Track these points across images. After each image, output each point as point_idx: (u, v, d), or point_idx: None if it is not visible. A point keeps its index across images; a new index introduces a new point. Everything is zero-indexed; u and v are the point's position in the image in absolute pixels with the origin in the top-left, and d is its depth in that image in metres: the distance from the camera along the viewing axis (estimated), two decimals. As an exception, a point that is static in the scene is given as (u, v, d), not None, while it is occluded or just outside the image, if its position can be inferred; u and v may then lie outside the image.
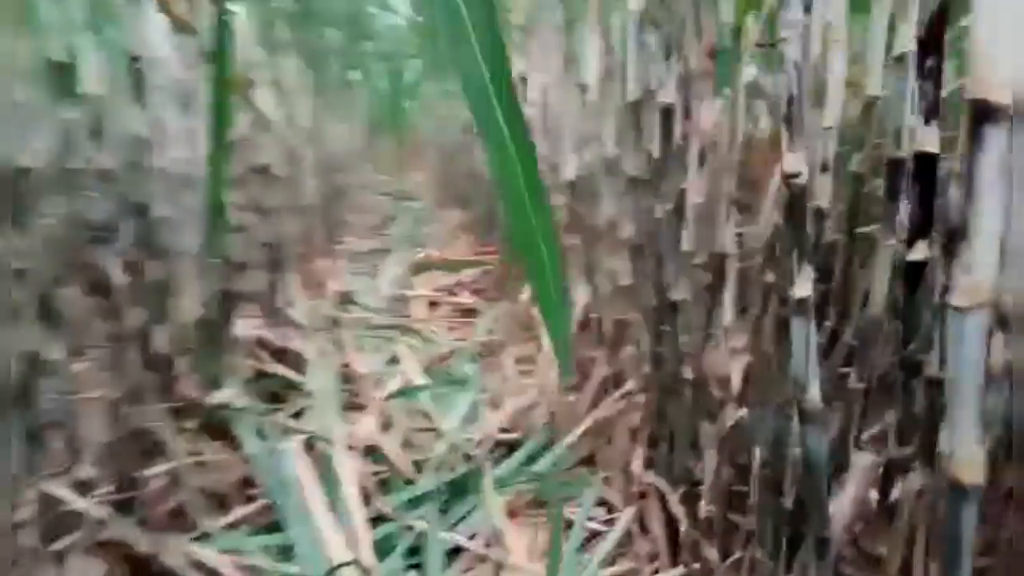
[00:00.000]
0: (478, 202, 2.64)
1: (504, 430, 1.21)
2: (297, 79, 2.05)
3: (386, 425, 1.25)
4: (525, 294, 1.79)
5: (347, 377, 1.45)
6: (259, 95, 1.67)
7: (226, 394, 1.21)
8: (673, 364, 0.91)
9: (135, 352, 0.97)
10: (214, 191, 1.12)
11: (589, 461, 1.09)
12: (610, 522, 0.94)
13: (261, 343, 1.47)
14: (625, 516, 0.90)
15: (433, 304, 2.13)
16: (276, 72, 1.84)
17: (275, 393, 1.35)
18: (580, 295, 1.26)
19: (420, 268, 2.32)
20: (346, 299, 1.98)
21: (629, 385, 1.08)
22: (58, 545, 0.82)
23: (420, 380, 1.43)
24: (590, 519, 0.97)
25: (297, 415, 1.30)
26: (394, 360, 1.52)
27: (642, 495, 0.93)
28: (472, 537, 0.97)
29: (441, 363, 1.56)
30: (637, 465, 0.94)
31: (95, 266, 0.94)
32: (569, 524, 0.96)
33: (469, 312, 2.02)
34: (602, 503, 1.01)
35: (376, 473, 1.11)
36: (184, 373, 1.15)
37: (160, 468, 0.96)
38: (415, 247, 2.64)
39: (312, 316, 1.77)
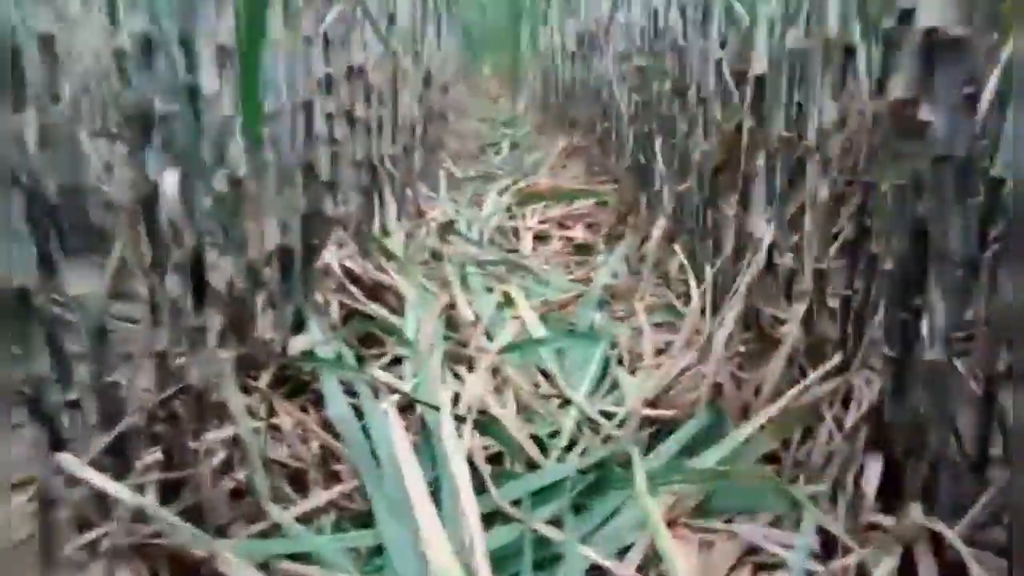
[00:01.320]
0: (587, 125, 2.32)
1: (651, 403, 0.93)
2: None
3: (500, 387, 0.99)
4: (655, 230, 1.49)
5: (451, 322, 1.19)
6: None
7: (308, 339, 0.97)
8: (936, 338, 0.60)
9: (189, 286, 0.72)
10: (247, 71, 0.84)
11: (773, 459, 0.81)
12: (825, 560, 0.65)
13: (352, 276, 1.23)
14: (885, 568, 0.58)
15: (542, 238, 1.85)
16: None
17: (368, 338, 1.11)
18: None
19: (527, 198, 2.04)
20: (448, 230, 1.72)
21: (836, 359, 0.79)
22: (80, 545, 0.60)
23: (539, 330, 1.16)
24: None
25: (394, 364, 1.06)
26: (507, 303, 1.25)
27: (871, 527, 0.64)
28: (621, 554, 0.71)
29: (561, 310, 1.28)
30: (870, 483, 0.64)
31: (137, 172, 0.69)
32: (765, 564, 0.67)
33: (584, 249, 1.73)
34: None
35: (488, 448, 0.85)
36: (256, 313, 0.92)
37: (218, 435, 0.72)
38: (521, 175, 2.35)
39: (412, 247, 1.52)
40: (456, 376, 1.01)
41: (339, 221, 1.32)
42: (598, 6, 2.02)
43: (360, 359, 1.04)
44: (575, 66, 2.42)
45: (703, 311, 1.16)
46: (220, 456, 0.72)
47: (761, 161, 0.91)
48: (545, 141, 3.02)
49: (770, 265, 0.88)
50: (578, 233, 1.84)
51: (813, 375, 0.79)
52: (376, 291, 1.23)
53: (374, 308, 1.16)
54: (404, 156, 1.74)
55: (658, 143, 1.61)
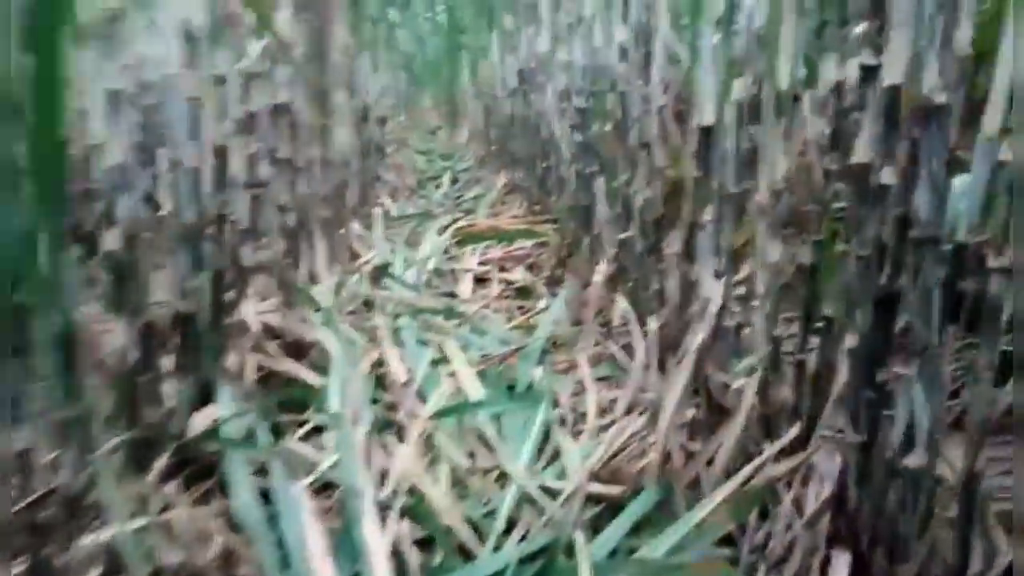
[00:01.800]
0: (527, 162, 2.26)
1: (596, 475, 0.86)
2: (329, 8, 1.67)
3: (433, 459, 0.90)
4: (597, 274, 1.43)
5: (381, 381, 1.10)
6: (279, 18, 1.30)
7: (216, 412, 0.87)
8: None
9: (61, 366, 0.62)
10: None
11: (729, 541, 0.73)
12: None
13: (272, 332, 1.12)
14: None
15: (482, 281, 1.77)
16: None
17: (286, 402, 1.01)
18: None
19: (467, 238, 1.96)
20: (382, 274, 1.62)
21: (794, 432, 0.72)
22: None
23: (475, 389, 1.08)
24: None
25: (316, 433, 0.96)
26: (441, 359, 1.16)
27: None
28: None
29: (500, 364, 1.20)
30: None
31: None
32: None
33: (524, 292, 1.66)
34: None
35: (418, 542, 0.76)
36: (153, 388, 0.81)
37: (97, 541, 0.62)
38: (460, 212, 2.27)
39: (342, 295, 1.42)
40: (384, 447, 0.92)
41: (261, 270, 1.22)
42: (538, 43, 1.97)
43: (277, 429, 0.93)
44: (515, 102, 2.37)
45: (648, 366, 1.10)
46: (98, 569, 0.61)
47: (709, 215, 0.85)
48: (486, 176, 2.96)
49: (719, 326, 0.82)
50: (518, 275, 1.76)
51: (769, 450, 0.73)
52: (299, 348, 1.13)
53: (295, 368, 1.06)
54: (336, 196, 1.64)
55: (599, 185, 1.55)
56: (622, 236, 1.22)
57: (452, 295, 1.67)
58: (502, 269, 1.84)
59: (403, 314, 1.35)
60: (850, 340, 0.58)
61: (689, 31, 1.11)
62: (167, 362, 0.84)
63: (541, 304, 1.57)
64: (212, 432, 0.84)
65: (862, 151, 0.55)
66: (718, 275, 0.83)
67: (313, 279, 1.42)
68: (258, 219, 1.24)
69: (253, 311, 1.10)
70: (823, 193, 0.62)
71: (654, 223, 1.08)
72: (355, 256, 1.77)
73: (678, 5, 1.03)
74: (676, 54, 0.95)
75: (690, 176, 1.06)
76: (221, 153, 0.92)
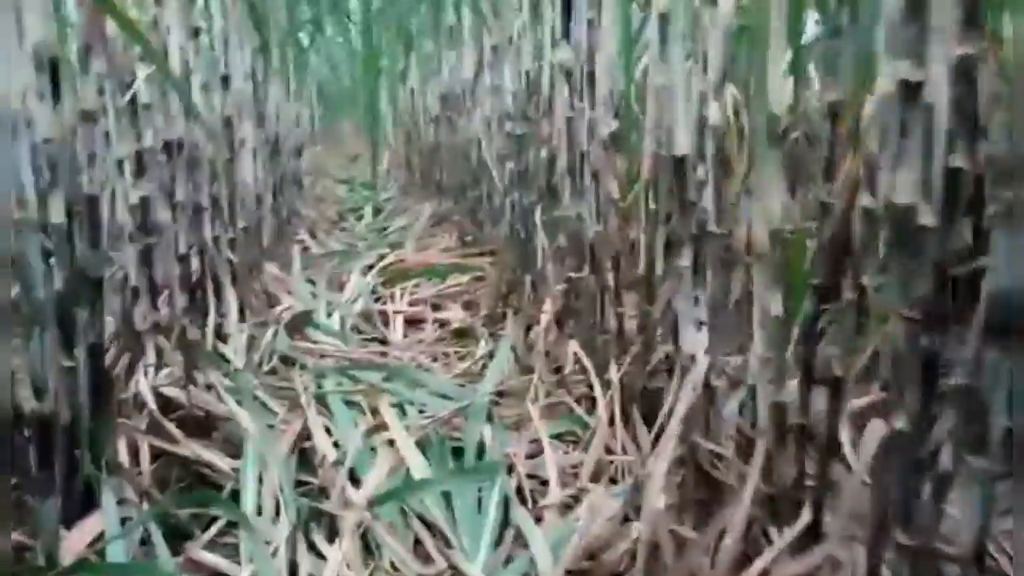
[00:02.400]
0: (455, 191, 2.13)
1: (568, 572, 0.72)
2: (231, 30, 1.50)
3: (372, 559, 0.75)
4: (544, 314, 1.30)
5: (306, 458, 0.94)
6: (172, 43, 1.14)
7: (96, 526, 0.69)
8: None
9: None
10: None
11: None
12: None
13: (172, 407, 0.95)
14: None
15: (415, 322, 1.62)
16: (196, 15, 1.30)
17: (190, 497, 0.84)
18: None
19: (395, 276, 1.80)
20: (302, 322, 1.45)
21: (806, 518, 0.60)
22: None
23: (418, 462, 0.92)
24: None
25: (228, 534, 0.79)
26: (376, 427, 1.01)
27: None
28: None
29: (443, 426, 1.05)
30: None
31: None
32: None
33: (462, 334, 1.52)
34: None
35: None
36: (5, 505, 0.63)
37: None
38: (386, 246, 2.12)
39: (256, 353, 1.24)
40: (313, 548, 0.76)
41: (157, 332, 1.04)
42: (461, 68, 1.85)
43: (179, 533, 0.76)
44: (439, 128, 2.24)
45: (611, 420, 0.98)
46: None
47: (687, 260, 0.73)
48: (411, 205, 2.81)
49: (707, 387, 0.70)
50: (455, 315, 1.62)
51: (779, 541, 0.61)
52: (205, 424, 0.95)
53: (201, 450, 0.88)
54: (246, 237, 1.47)
55: (539, 215, 1.43)
56: (573, 275, 1.09)
57: (383, 341, 1.51)
58: (436, 309, 1.69)
59: (328, 371, 1.18)
60: (899, 421, 0.46)
61: (637, 50, 1.01)
62: (29, 473, 0.66)
63: (482, 347, 1.43)
64: (93, 556, 0.66)
65: (903, 187, 0.44)
66: (700, 326, 0.71)
67: (222, 336, 1.24)
68: (152, 273, 1.06)
69: (148, 384, 0.92)
70: (842, 236, 0.51)
71: (611, 260, 0.96)
72: (272, 303, 1.59)
73: (626, 18, 0.92)
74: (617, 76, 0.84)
75: (645, 210, 0.95)
76: (92, 203, 0.75)
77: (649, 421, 0.95)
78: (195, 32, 1.32)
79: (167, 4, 1.07)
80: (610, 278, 1.04)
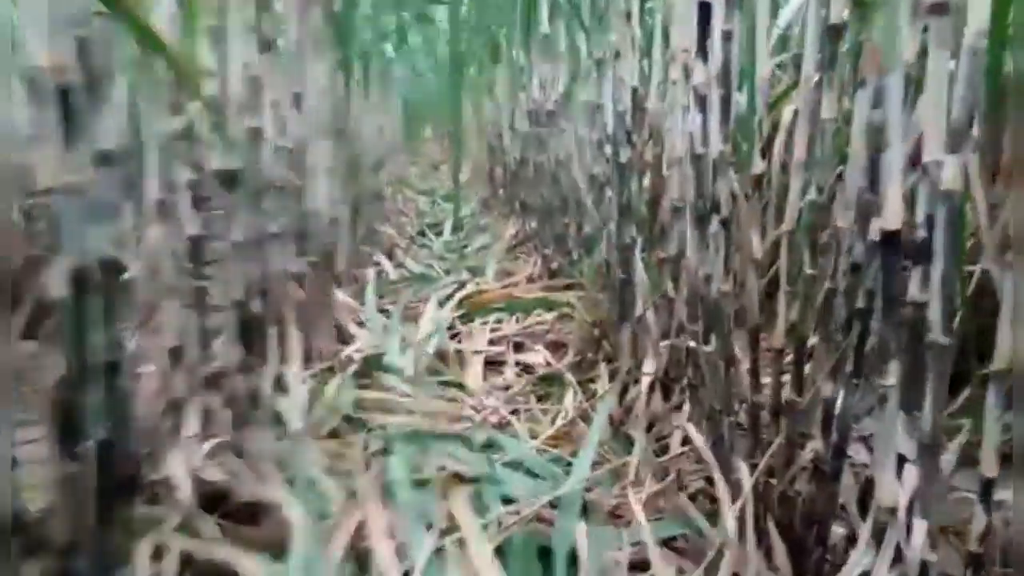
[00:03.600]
0: (542, 213, 1.94)
1: None
2: (307, 42, 1.35)
3: None
4: (644, 375, 1.10)
5: (363, 564, 0.76)
6: (233, 56, 0.99)
7: None
8: None
9: None
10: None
11: None
12: None
13: (211, 494, 0.79)
14: None
15: (493, 364, 1.44)
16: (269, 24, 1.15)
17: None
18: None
19: (475, 308, 1.63)
20: (373, 365, 1.29)
21: None
22: None
23: (496, 579, 0.74)
24: None
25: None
26: (448, 528, 0.82)
27: None
28: None
29: (531, 524, 0.86)
30: None
31: None
32: None
33: (547, 382, 1.33)
34: None
35: None
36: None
37: None
38: (464, 270, 1.95)
39: (318, 408, 1.08)
40: None
41: (207, 387, 0.89)
42: (554, 82, 1.66)
43: None
44: (526, 144, 2.06)
45: (739, 534, 0.77)
46: None
47: (892, 378, 0.52)
48: (492, 222, 2.64)
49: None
50: (538, 358, 1.43)
51: None
52: (251, 512, 0.79)
53: (236, 556, 0.72)
54: (316, 270, 1.31)
55: (639, 254, 1.23)
56: (689, 340, 0.88)
57: (460, 385, 1.34)
58: (518, 349, 1.51)
59: (396, 439, 1.01)
60: None
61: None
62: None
63: (569, 400, 1.24)
64: None
65: None
66: (904, 464, 0.49)
67: (282, 386, 1.09)
68: (203, 322, 0.91)
69: (184, 465, 0.77)
70: None
71: (746, 331, 0.75)
72: (343, 338, 1.44)
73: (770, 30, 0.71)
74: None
75: (788, 271, 0.74)
76: (109, 269, 0.59)
77: (792, 545, 0.74)
78: (267, 45, 1.17)
79: (231, 12, 0.91)
80: (736, 347, 0.83)
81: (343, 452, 0.97)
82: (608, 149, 1.32)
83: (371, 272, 1.85)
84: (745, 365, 0.75)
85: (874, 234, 0.62)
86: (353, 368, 1.22)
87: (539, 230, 1.94)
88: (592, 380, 1.29)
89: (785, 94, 1.28)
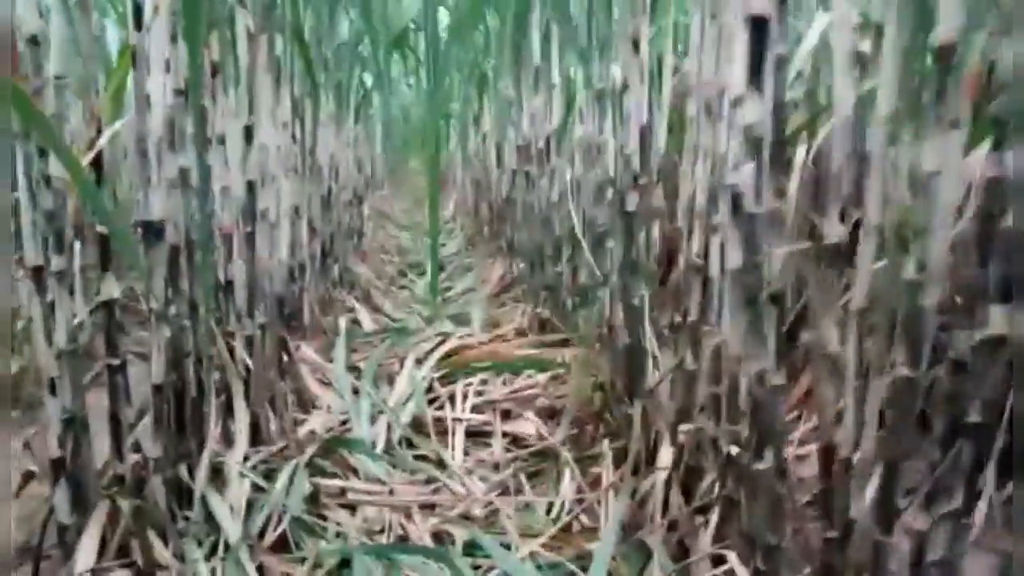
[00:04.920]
0: (532, 255, 1.76)
1: None
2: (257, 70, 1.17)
3: None
4: (659, 468, 0.91)
5: None
6: (154, 85, 0.80)
7: None
8: None
9: None
10: None
11: None
12: None
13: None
14: None
15: (477, 436, 1.25)
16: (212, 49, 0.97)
17: None
18: None
19: (457, 366, 1.44)
20: (334, 444, 1.09)
21: None
22: None
23: None
24: None
25: None
26: None
27: None
28: None
29: None
30: None
31: None
32: None
33: (541, 457, 1.14)
34: None
35: None
36: None
37: None
38: (447, 320, 1.76)
39: (256, 516, 0.88)
40: None
41: (119, 491, 0.69)
42: (546, 116, 1.49)
43: None
44: (514, 182, 1.88)
45: None
46: None
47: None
48: (478, 262, 2.46)
49: None
50: (530, 428, 1.24)
51: None
52: None
53: None
54: (268, 332, 1.11)
55: (648, 317, 1.05)
56: (737, 453, 0.70)
57: (439, 463, 1.15)
58: (506, 417, 1.32)
59: (356, 553, 0.81)
60: None
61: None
62: None
63: (566, 484, 1.05)
64: None
65: None
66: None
67: (221, 479, 0.89)
68: (117, 410, 0.72)
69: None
70: None
71: (822, 451, 0.57)
72: (304, 405, 1.24)
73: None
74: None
75: (859, 362, 0.56)
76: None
77: None
78: (212, 71, 0.99)
79: (154, 29, 0.73)
80: (785, 455, 0.65)
81: (290, 573, 0.77)
82: (610, 193, 1.14)
83: (343, 322, 1.66)
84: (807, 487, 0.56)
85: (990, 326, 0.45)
86: (313, 449, 1.02)
87: (529, 275, 1.75)
88: (593, 459, 1.10)
89: (808, 125, 1.11)
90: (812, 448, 0.83)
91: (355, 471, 1.06)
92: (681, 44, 1.29)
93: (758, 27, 0.51)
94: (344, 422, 1.21)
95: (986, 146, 0.54)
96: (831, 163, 0.51)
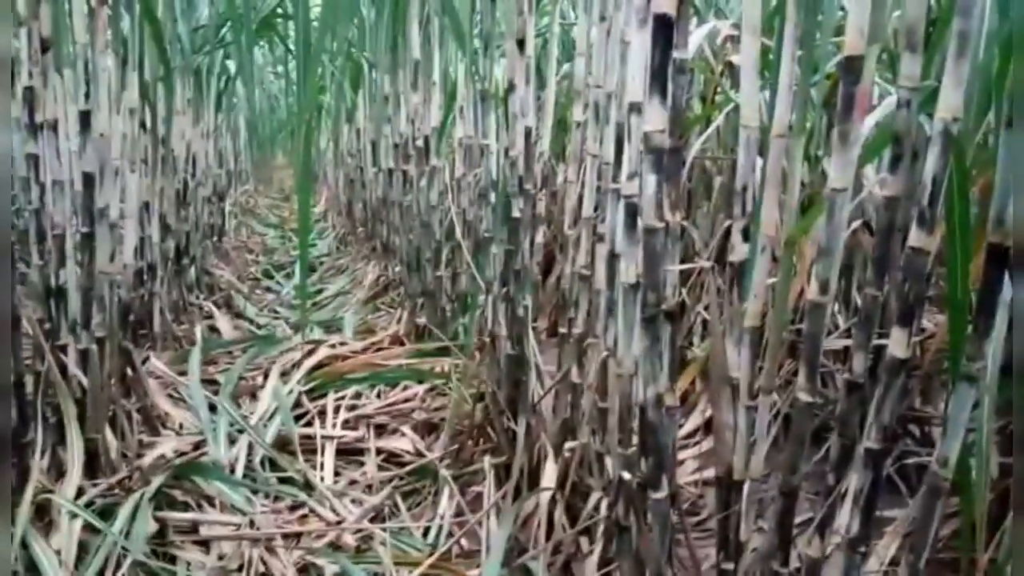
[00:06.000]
0: (410, 258, 1.69)
1: None
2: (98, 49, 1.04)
3: None
4: (544, 489, 0.87)
5: None
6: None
7: None
8: None
9: None
10: None
11: None
12: None
13: None
14: None
15: (349, 454, 1.17)
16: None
17: None
18: None
19: (327, 378, 1.35)
20: (185, 470, 0.98)
21: None
22: None
23: None
24: None
25: None
26: None
27: None
28: None
29: None
30: None
31: None
32: None
33: (419, 475, 1.08)
34: None
35: None
36: None
37: None
38: (317, 326, 1.66)
39: (91, 563, 0.76)
40: None
41: None
42: (426, 114, 1.42)
43: None
44: (391, 181, 1.80)
45: None
46: None
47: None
48: (351, 263, 2.36)
49: None
50: (406, 444, 1.18)
51: None
52: None
53: None
54: (106, 346, 0.98)
55: (531, 330, 1.01)
56: (619, 474, 0.66)
57: (307, 484, 1.06)
58: (381, 433, 1.25)
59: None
60: None
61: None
62: None
63: (444, 503, 0.99)
64: None
65: None
66: None
67: (47, 520, 0.77)
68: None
69: None
70: None
71: (722, 481, 0.55)
72: (151, 426, 1.12)
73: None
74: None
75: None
76: None
77: None
78: (43, 46, 0.86)
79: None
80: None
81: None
82: (493, 197, 1.10)
83: (200, 330, 1.52)
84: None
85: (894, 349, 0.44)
86: (161, 478, 0.91)
87: (406, 279, 1.68)
88: (474, 476, 1.06)
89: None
90: (708, 472, 0.82)
91: (210, 500, 0.96)
92: (568, 46, 1.26)
93: (663, 28, 0.48)
94: (199, 444, 1.10)
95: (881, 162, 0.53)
96: (735, 178, 0.49)
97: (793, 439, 0.49)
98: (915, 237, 0.44)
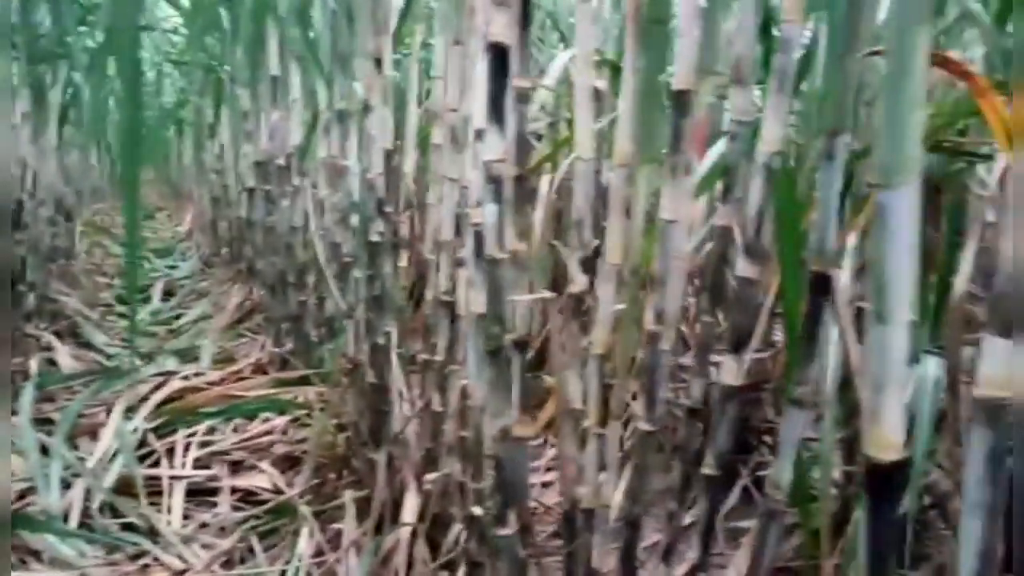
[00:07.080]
0: (274, 282, 1.61)
1: None
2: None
3: None
4: (404, 524, 0.84)
5: None
6: None
7: None
8: None
9: None
10: None
11: None
12: None
13: None
14: None
15: (201, 494, 1.09)
16: None
17: None
18: None
19: (179, 412, 1.26)
20: (16, 521, 0.88)
21: None
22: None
23: None
24: None
25: None
26: None
27: None
28: None
29: None
30: None
31: None
32: None
33: (278, 514, 1.02)
34: None
35: None
36: None
37: None
38: (172, 356, 1.55)
39: None
40: None
41: None
42: (286, 131, 1.37)
43: None
44: (253, 201, 1.72)
45: None
46: None
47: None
48: (214, 288, 2.23)
49: None
50: (264, 481, 1.12)
51: None
52: None
53: None
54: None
55: (396, 354, 0.98)
56: (471, 511, 0.65)
57: (151, 531, 0.98)
58: (236, 470, 1.17)
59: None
60: None
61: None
62: None
63: (303, 544, 0.94)
64: None
65: None
66: None
67: None
68: None
69: None
70: None
71: (565, 518, 0.54)
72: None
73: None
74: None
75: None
76: None
77: None
78: None
79: None
80: (530, 513, 0.62)
81: None
82: (355, 220, 1.06)
83: (35, 363, 1.39)
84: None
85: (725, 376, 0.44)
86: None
87: (270, 303, 1.61)
88: (337, 511, 1.01)
89: (551, 158, 1.12)
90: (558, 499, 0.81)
91: (37, 555, 0.87)
92: (429, 67, 1.25)
93: (499, 56, 0.47)
94: (25, 493, 0.99)
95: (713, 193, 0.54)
96: (573, 206, 0.49)
97: (634, 469, 0.49)
98: (742, 267, 0.45)
